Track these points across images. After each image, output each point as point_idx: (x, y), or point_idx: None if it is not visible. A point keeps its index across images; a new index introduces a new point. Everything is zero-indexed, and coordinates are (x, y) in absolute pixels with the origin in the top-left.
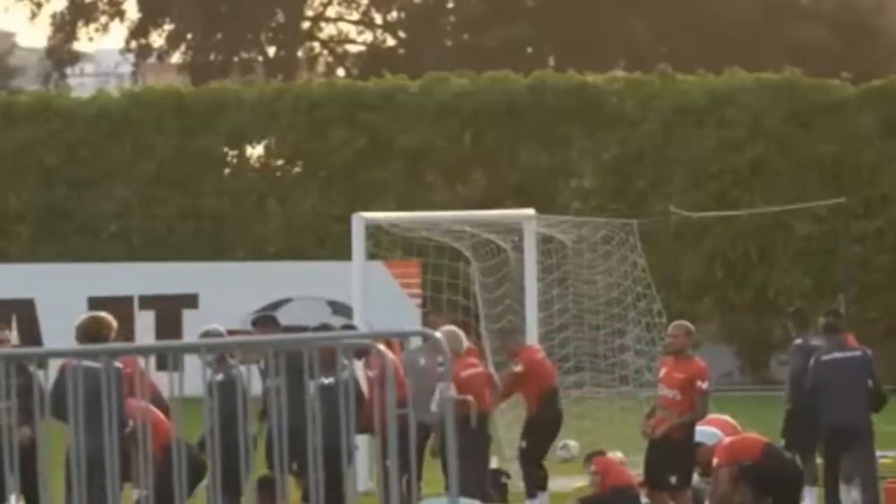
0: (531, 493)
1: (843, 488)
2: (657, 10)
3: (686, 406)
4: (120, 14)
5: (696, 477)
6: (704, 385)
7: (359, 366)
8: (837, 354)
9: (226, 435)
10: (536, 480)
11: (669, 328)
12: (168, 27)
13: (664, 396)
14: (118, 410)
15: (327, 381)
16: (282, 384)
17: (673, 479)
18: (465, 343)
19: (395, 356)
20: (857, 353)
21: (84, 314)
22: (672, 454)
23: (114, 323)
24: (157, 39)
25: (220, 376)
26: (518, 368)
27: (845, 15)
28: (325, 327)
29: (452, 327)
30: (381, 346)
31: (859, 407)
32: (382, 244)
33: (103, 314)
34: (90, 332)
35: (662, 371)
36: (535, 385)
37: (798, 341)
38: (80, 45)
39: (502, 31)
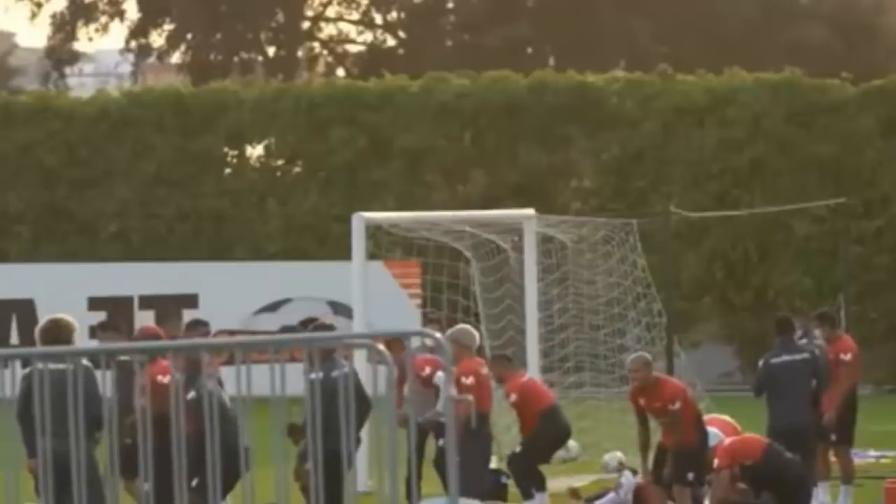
0: (527, 495)
1: None
2: (657, 11)
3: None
4: (120, 14)
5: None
6: (676, 407)
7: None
8: (786, 357)
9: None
10: (526, 485)
11: (628, 363)
12: (168, 27)
13: (661, 422)
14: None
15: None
16: (180, 385)
17: (690, 476)
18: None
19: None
20: (805, 354)
21: (83, 314)
22: (689, 455)
23: (74, 325)
24: (157, 39)
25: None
26: (512, 399)
27: (845, 15)
28: (318, 327)
29: (466, 326)
30: (381, 346)
31: (804, 411)
32: (382, 244)
33: (61, 316)
34: (51, 335)
35: (642, 402)
36: (530, 409)
37: (803, 341)
38: (80, 45)
39: (502, 31)
